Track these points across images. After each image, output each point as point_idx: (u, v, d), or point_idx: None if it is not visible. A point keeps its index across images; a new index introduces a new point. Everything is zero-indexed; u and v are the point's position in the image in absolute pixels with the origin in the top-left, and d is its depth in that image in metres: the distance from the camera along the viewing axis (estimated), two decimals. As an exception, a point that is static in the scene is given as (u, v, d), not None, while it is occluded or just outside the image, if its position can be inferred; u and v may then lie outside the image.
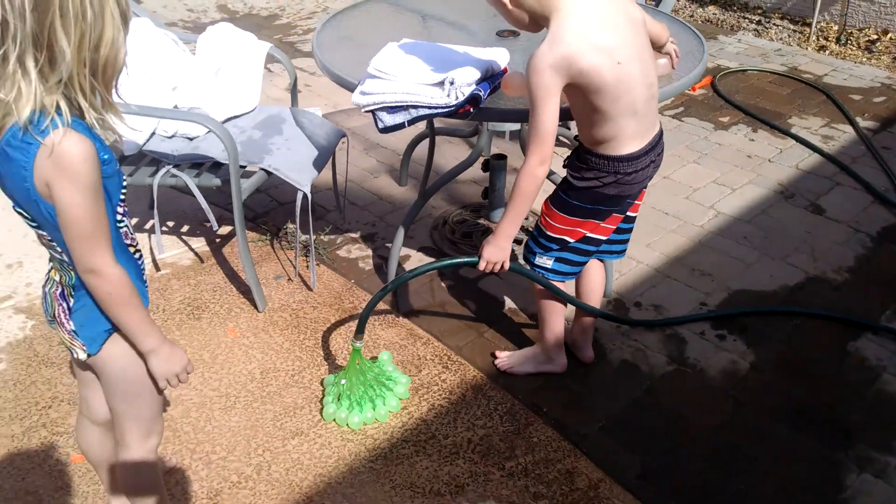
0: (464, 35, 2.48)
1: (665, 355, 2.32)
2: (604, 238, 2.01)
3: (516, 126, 3.07)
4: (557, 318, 2.16)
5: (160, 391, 1.48)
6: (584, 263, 2.07)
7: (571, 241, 1.98)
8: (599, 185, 1.87)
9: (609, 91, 1.71)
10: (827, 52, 4.74)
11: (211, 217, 2.35)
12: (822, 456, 2.00)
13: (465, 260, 1.99)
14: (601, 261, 2.20)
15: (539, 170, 1.78)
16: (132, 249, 1.38)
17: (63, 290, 1.36)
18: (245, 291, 2.58)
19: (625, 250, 2.16)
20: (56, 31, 1.13)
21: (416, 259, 2.77)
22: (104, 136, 1.25)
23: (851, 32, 4.92)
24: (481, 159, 2.68)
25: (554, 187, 2.01)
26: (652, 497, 1.88)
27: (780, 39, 4.92)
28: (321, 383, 2.21)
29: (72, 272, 1.32)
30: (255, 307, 2.49)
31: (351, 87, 2.08)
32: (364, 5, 2.77)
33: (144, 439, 1.53)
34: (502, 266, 1.92)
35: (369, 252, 2.82)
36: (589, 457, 1.98)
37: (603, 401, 2.17)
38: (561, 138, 3.56)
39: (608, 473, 1.93)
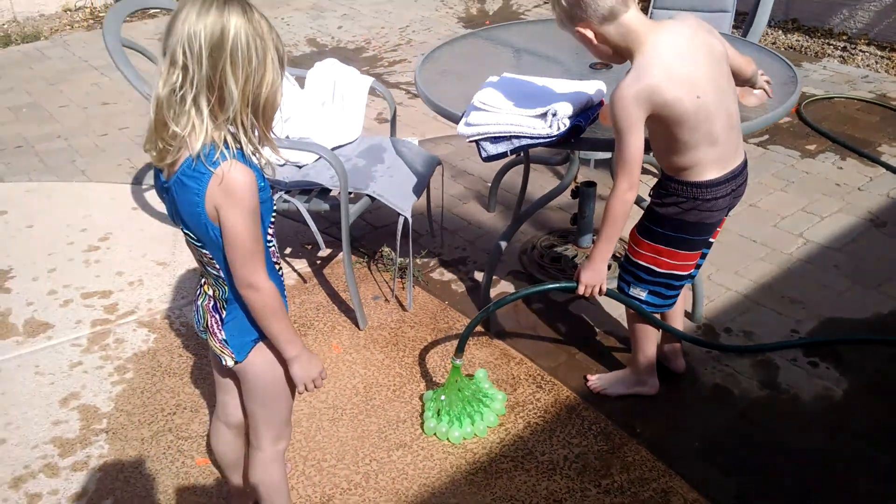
0: (558, 68, 2.59)
1: (757, 381, 2.35)
2: (689, 273, 2.08)
3: (604, 155, 3.17)
4: (650, 341, 2.23)
5: (296, 395, 1.62)
6: (675, 296, 2.14)
7: (658, 269, 2.05)
8: (680, 212, 1.94)
9: (689, 122, 1.79)
10: (917, 78, 4.66)
11: (319, 239, 2.52)
12: (922, 484, 1.99)
13: (565, 284, 2.08)
14: None
15: (628, 194, 1.87)
16: (277, 267, 1.53)
17: (216, 304, 1.52)
18: (346, 310, 2.73)
19: (696, 274, 2.22)
20: (226, 75, 1.30)
21: (506, 282, 2.87)
22: (260, 166, 1.41)
23: (943, 58, 4.83)
24: (572, 186, 2.77)
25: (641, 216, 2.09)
26: (748, 518, 1.92)
27: (868, 66, 4.86)
28: (420, 398, 2.32)
29: (225, 287, 1.48)
30: (357, 325, 2.63)
31: (455, 119, 2.21)
32: (460, 41, 2.92)
33: (275, 442, 1.67)
34: (600, 289, 2.01)
35: (461, 275, 2.94)
36: (684, 478, 2.03)
37: (696, 423, 2.21)
38: (646, 166, 3.62)
39: (703, 494, 1.98)
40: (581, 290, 2.02)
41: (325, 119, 2.78)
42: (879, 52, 5.03)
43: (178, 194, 1.37)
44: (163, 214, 3.42)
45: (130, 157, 4.00)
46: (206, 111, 1.31)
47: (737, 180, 1.95)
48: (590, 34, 1.81)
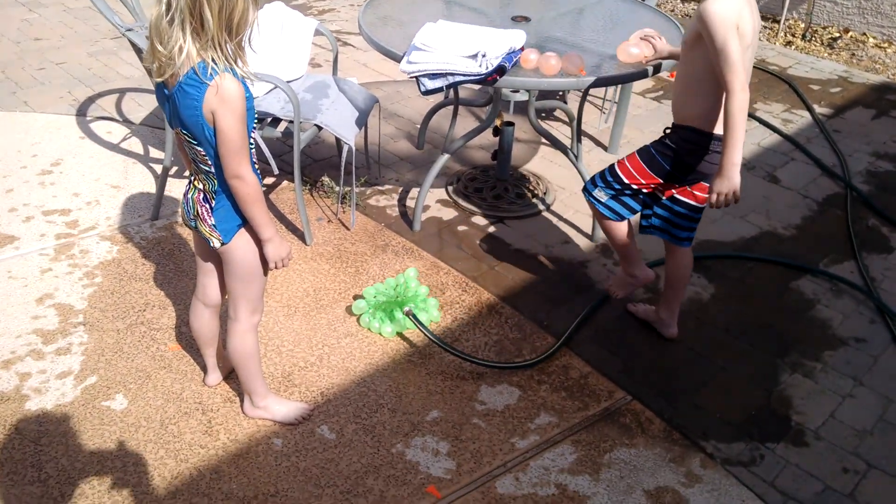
0: (483, 18, 2.97)
1: (643, 288, 2.84)
2: (646, 193, 2.33)
3: (522, 98, 3.58)
4: (619, 238, 2.43)
5: (268, 273, 1.96)
6: (626, 213, 2.38)
7: (633, 186, 2.29)
8: (698, 162, 2.14)
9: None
10: (793, 47, 5.28)
11: (273, 163, 2.83)
12: (764, 360, 2.53)
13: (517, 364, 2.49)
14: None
15: (741, 94, 1.94)
16: (256, 167, 1.86)
17: (205, 195, 1.84)
18: (293, 230, 3.06)
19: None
20: (203, 5, 1.60)
21: (436, 208, 3.26)
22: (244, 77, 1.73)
23: (816, 30, 5.46)
24: (496, 123, 3.17)
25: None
26: (629, 385, 2.40)
27: (752, 35, 5.45)
28: (353, 298, 2.67)
29: (215, 181, 1.80)
30: (304, 241, 2.97)
31: (397, 59, 2.56)
32: (396, -10, 3.25)
33: (251, 314, 2.02)
34: (735, 195, 2.04)
35: (395, 202, 3.31)
36: (581, 357, 2.50)
37: (592, 318, 2.68)
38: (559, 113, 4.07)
39: (595, 368, 2.45)
40: (713, 200, 2.08)
41: (273, 56, 3.06)
42: (763, 23, 5.63)
43: (179, 100, 1.68)
44: (112, 143, 3.62)
45: (71, 90, 4.14)
46: (189, 34, 1.61)
47: None
48: None
